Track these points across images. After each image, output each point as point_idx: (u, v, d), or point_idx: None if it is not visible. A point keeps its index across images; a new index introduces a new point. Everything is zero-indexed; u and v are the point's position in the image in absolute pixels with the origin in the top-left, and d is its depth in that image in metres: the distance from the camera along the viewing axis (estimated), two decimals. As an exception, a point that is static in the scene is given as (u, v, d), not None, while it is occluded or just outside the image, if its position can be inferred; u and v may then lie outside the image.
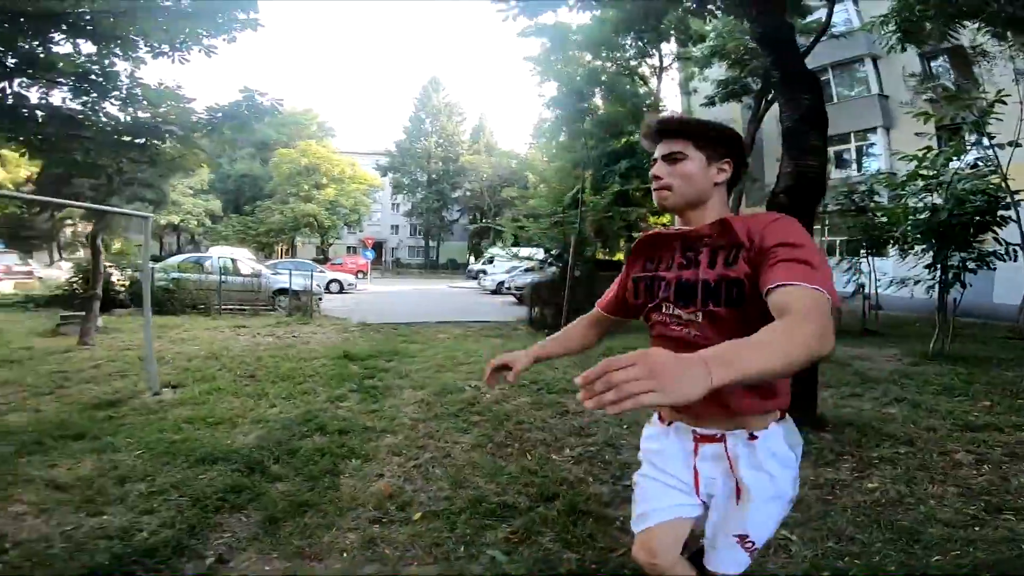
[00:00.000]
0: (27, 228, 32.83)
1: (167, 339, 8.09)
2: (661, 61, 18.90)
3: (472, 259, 45.18)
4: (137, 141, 5.25)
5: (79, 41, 4.90)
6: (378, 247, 46.32)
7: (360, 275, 28.33)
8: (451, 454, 3.79)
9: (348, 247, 44.28)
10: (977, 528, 2.72)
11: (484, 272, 31.96)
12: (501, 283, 21.90)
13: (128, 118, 5.33)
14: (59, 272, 17.85)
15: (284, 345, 8.03)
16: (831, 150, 18.93)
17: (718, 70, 16.46)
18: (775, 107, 14.04)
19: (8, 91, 4.85)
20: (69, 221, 34.07)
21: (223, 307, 11.57)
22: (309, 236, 35.51)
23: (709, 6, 6.10)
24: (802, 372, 1.05)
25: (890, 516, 2.85)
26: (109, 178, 6.86)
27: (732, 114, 19.05)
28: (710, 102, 16.47)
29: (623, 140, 19.24)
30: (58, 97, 5.20)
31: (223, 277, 11.92)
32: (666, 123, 1.38)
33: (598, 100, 21.56)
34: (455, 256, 46.36)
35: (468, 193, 43.01)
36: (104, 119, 5.16)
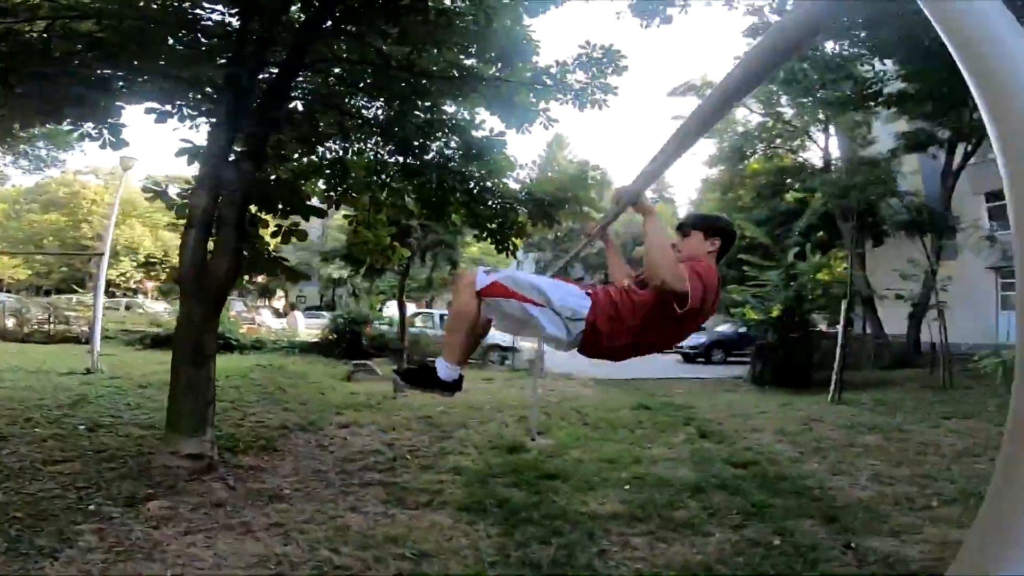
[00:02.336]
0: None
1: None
2: (827, 117, 18.71)
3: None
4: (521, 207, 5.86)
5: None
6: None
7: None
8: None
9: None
10: None
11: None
12: (659, 342, 22.28)
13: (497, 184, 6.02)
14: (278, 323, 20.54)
15: (565, 398, 8.68)
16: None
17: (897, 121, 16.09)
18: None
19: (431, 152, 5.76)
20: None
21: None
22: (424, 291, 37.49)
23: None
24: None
25: None
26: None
27: (911, 166, 18.27)
28: (892, 154, 15.90)
29: (792, 198, 18.95)
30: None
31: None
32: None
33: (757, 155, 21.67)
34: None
35: (597, 253, 43.63)
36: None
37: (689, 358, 19.03)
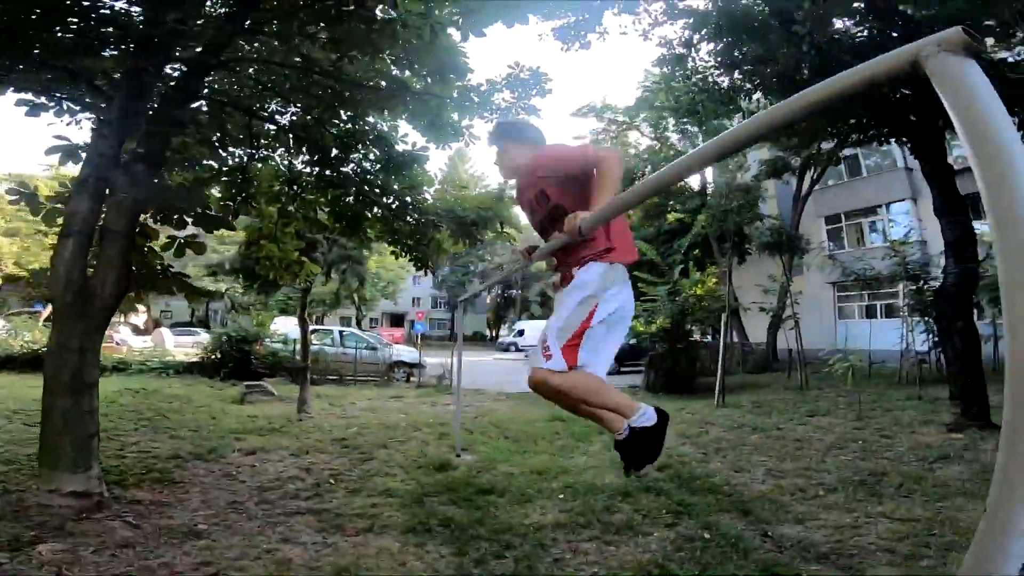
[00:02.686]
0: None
1: (362, 407, 8.71)
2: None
3: (493, 331, 46.00)
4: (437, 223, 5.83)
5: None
6: (399, 319, 46.88)
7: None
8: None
9: (371, 319, 44.75)
10: None
11: (515, 345, 33.47)
12: (554, 354, 23.21)
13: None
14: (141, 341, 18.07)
15: (480, 412, 8.64)
16: (862, 221, 20.70)
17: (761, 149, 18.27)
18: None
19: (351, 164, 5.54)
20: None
21: (356, 378, 12.18)
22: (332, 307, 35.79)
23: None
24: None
25: None
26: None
27: (771, 190, 20.72)
28: (756, 179, 18.05)
29: (673, 218, 20.72)
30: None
31: (355, 349, 12.64)
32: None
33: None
34: (478, 328, 47.09)
35: (493, 266, 44.28)
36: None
37: (586, 369, 20.22)
